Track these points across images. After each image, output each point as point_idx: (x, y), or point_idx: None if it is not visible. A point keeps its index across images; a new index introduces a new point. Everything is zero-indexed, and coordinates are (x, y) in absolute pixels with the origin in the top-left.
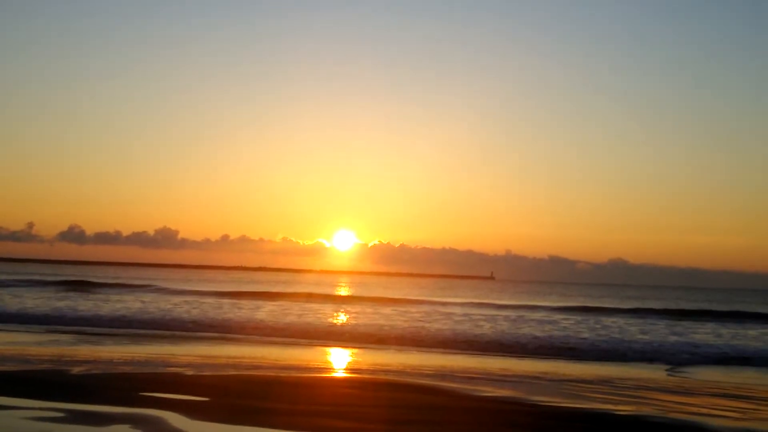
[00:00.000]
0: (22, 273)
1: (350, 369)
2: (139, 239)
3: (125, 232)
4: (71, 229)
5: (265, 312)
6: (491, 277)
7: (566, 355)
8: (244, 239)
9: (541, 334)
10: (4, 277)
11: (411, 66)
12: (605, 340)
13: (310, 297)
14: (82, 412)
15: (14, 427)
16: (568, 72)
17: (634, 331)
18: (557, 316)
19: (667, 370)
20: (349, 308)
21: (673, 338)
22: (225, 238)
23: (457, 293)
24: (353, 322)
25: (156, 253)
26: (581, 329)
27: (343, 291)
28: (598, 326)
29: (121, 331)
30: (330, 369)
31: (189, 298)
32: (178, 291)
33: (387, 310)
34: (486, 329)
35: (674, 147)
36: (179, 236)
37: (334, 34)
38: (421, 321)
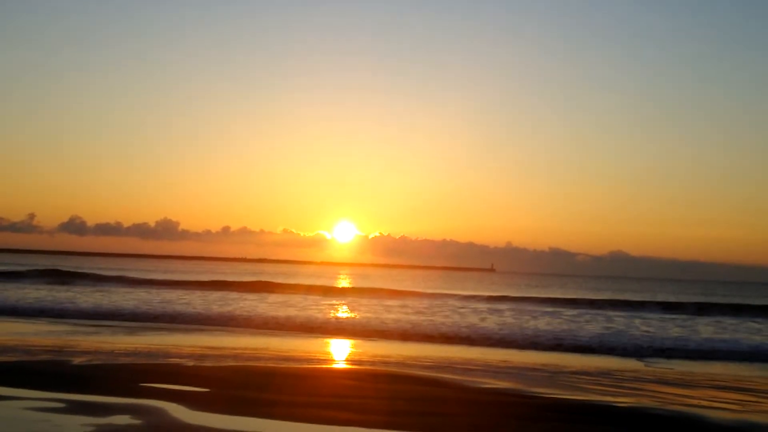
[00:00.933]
0: (23, 264)
1: (350, 360)
2: (139, 230)
3: (126, 224)
4: (72, 220)
5: (265, 305)
6: (492, 269)
7: (566, 348)
8: (244, 231)
9: (545, 327)
10: (2, 268)
11: (412, 59)
12: (605, 333)
13: (309, 289)
14: (82, 403)
15: (15, 417)
16: (569, 66)
17: (637, 323)
18: (559, 309)
19: (662, 363)
20: (348, 300)
21: (675, 331)
22: (226, 230)
23: (458, 285)
24: (352, 315)
25: (157, 245)
26: (581, 322)
27: (344, 283)
28: (600, 319)
29: (112, 323)
30: (330, 360)
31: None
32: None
33: (388, 302)
34: (489, 323)
35: (675, 140)
36: (180, 228)
37: (335, 26)
38: (421, 313)
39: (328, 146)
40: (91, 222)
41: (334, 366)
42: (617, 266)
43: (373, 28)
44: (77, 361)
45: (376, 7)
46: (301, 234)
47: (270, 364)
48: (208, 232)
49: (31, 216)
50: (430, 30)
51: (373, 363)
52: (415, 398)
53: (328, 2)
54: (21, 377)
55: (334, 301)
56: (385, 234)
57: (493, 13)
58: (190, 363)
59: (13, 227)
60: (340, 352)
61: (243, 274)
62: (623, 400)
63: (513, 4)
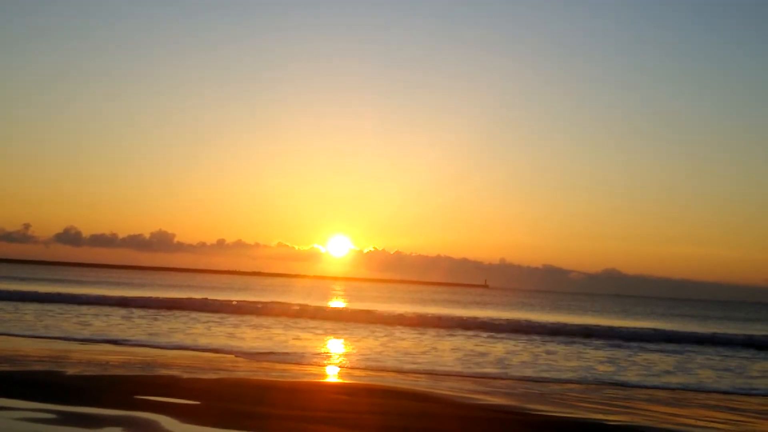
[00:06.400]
0: (19, 276)
1: (344, 375)
2: (134, 242)
3: (121, 235)
4: (67, 230)
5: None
6: (485, 286)
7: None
8: (239, 244)
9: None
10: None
11: (406, 74)
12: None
13: (301, 311)
14: (75, 414)
15: (6, 428)
16: (563, 83)
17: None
18: (561, 340)
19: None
20: (338, 329)
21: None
22: (221, 243)
23: (451, 304)
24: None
25: (151, 256)
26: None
27: (336, 303)
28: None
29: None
30: (324, 375)
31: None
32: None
33: (381, 331)
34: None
35: (670, 158)
36: (175, 240)
37: (331, 42)
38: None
39: (324, 160)
40: (86, 233)
41: (328, 380)
42: (610, 284)
43: (367, 45)
44: (71, 372)
45: (371, 25)
46: (296, 248)
47: (264, 378)
48: (203, 245)
49: (27, 226)
50: (424, 46)
51: (366, 378)
52: (408, 414)
53: (325, 18)
54: (13, 388)
55: (317, 333)
56: (380, 249)
57: (488, 28)
58: (185, 375)
59: (8, 237)
60: (333, 367)
61: (224, 289)
62: (615, 419)
63: (508, 18)
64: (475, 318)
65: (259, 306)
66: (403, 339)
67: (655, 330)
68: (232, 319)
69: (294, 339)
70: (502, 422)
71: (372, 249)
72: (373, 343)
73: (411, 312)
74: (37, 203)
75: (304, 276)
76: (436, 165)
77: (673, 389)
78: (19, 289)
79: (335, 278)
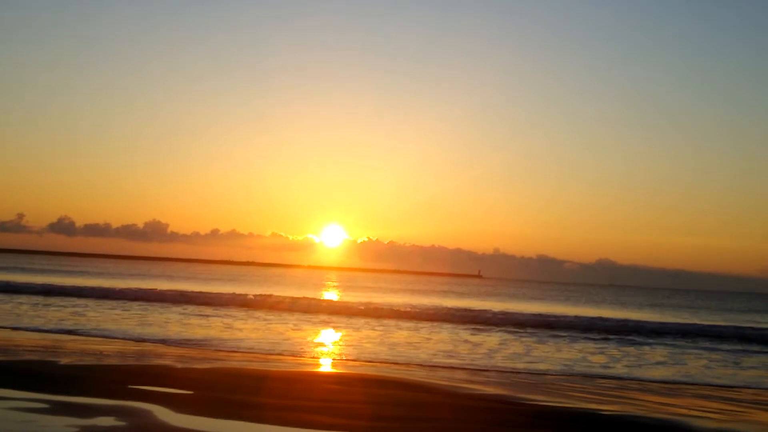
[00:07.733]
0: (11, 265)
1: (339, 364)
2: (128, 232)
3: (115, 224)
4: (61, 220)
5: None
6: (478, 275)
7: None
8: (233, 234)
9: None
10: None
11: (400, 64)
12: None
13: (293, 304)
14: (68, 404)
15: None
16: (555, 73)
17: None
18: (560, 333)
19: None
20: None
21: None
22: (215, 233)
23: (445, 295)
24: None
25: (145, 246)
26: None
27: (326, 295)
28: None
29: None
30: (318, 365)
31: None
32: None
33: (372, 325)
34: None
35: (665, 150)
36: (169, 229)
37: (324, 33)
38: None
39: (318, 150)
40: (79, 222)
41: (323, 370)
42: (604, 274)
43: (362, 37)
44: (64, 361)
45: (365, 16)
46: (290, 237)
47: (259, 367)
48: (197, 234)
49: (20, 216)
50: (417, 37)
51: (361, 367)
52: (402, 403)
53: (318, 7)
54: (6, 377)
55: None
56: (374, 239)
57: (480, 21)
58: (179, 365)
59: (2, 227)
60: (327, 357)
61: (215, 280)
62: (608, 408)
63: (504, 10)
64: (469, 309)
65: (251, 298)
66: (398, 329)
67: (648, 321)
68: (224, 311)
69: (251, 329)
70: (495, 411)
71: (366, 239)
72: (371, 334)
73: (404, 303)
74: (31, 193)
75: (298, 266)
76: (431, 155)
77: (666, 380)
78: (12, 279)
79: (329, 268)
